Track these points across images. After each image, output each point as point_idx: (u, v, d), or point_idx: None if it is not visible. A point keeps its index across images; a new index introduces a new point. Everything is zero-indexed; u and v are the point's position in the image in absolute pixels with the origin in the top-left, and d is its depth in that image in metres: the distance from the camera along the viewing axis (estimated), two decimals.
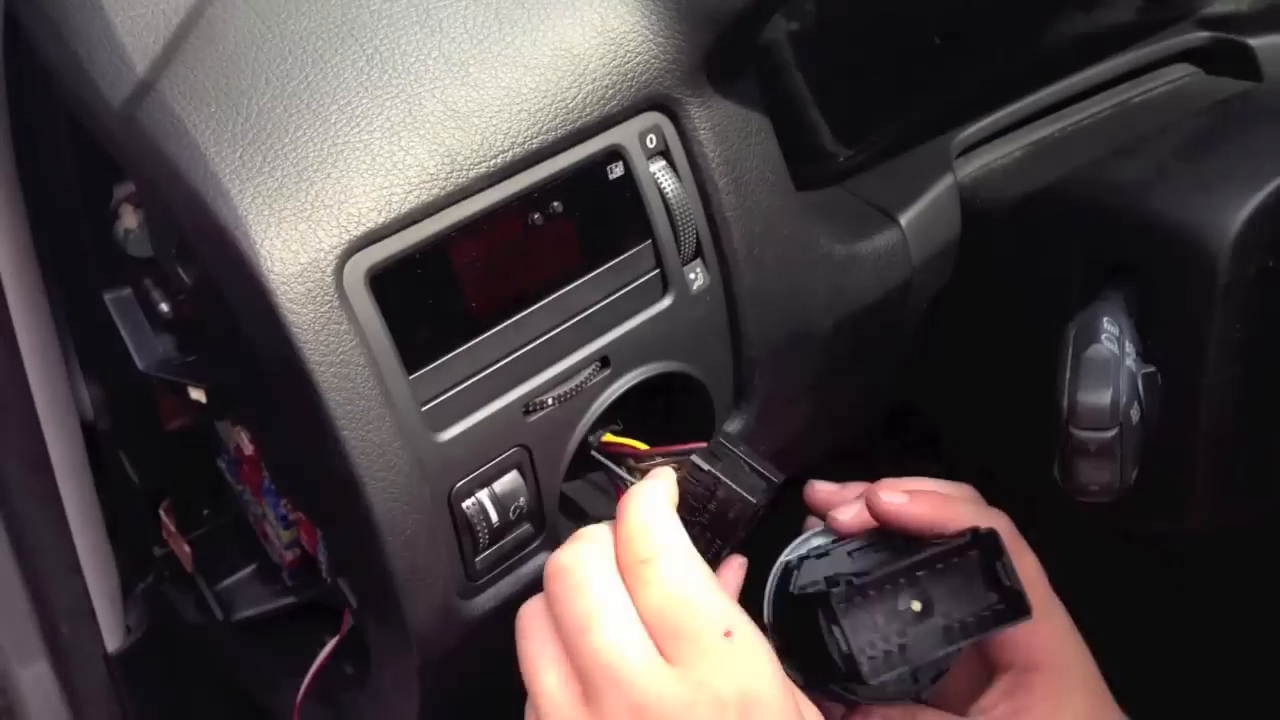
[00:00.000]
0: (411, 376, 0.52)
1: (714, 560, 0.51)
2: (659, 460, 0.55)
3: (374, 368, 0.50)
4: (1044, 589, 0.51)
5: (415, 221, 0.51)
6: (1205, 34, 0.78)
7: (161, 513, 0.73)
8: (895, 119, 0.73)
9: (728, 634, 0.44)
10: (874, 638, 0.46)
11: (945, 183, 0.69)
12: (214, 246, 0.49)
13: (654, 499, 0.49)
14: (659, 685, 0.43)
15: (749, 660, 0.44)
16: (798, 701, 0.45)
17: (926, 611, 0.46)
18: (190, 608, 0.74)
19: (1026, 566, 0.50)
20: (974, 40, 0.74)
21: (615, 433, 0.57)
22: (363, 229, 0.50)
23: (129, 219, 0.61)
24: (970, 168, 0.72)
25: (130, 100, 0.50)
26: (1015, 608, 0.46)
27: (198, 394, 0.61)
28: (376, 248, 0.50)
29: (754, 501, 0.50)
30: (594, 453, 0.57)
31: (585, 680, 0.45)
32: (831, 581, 0.48)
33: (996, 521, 0.50)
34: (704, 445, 0.52)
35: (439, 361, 0.52)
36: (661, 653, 0.44)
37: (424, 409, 0.52)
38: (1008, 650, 0.51)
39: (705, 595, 0.45)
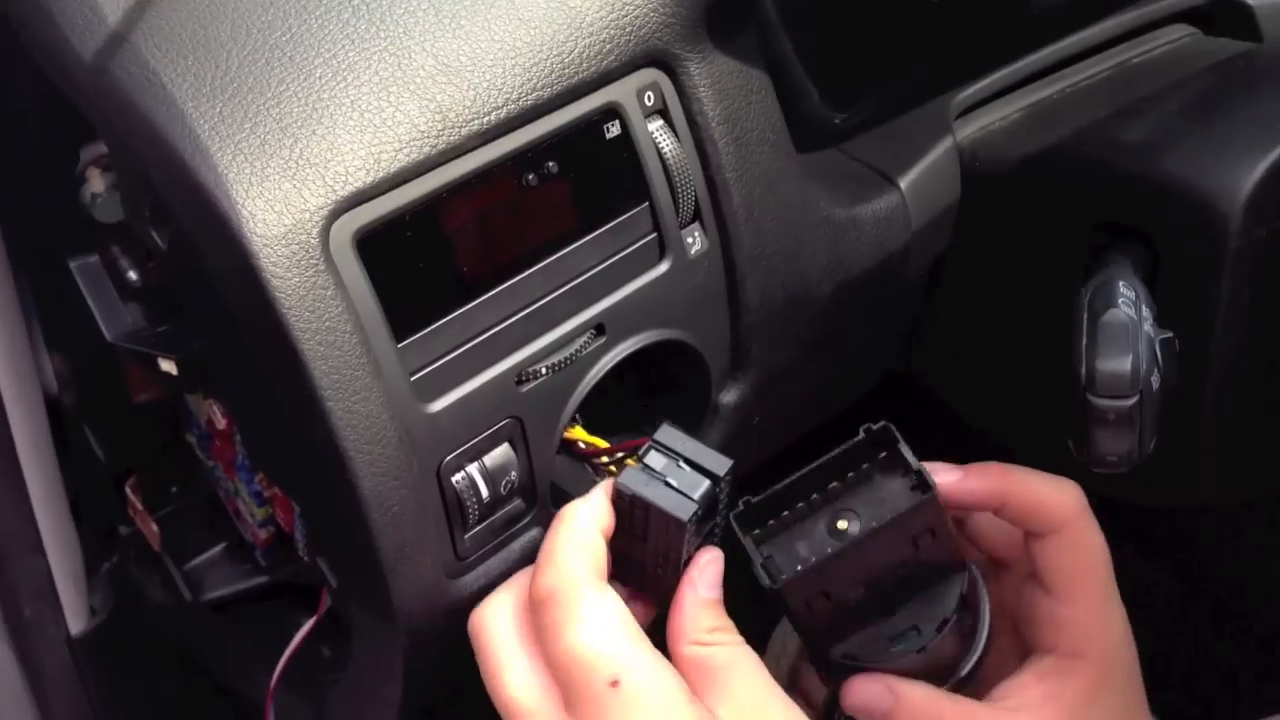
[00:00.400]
0: (400, 345, 0.49)
1: (673, 574, 0.50)
2: (620, 457, 0.54)
3: (361, 335, 0.48)
4: (1106, 576, 0.49)
5: (405, 181, 0.48)
6: None
7: (128, 490, 0.70)
8: (892, 80, 0.71)
9: (614, 684, 0.44)
10: (797, 554, 0.47)
11: (944, 145, 0.67)
12: (192, 207, 0.46)
13: (565, 532, 0.48)
14: None
15: (634, 710, 0.44)
16: None
17: (845, 522, 0.47)
18: (157, 589, 0.71)
19: (1092, 548, 0.49)
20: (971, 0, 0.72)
21: (580, 426, 0.55)
22: (350, 189, 0.47)
23: (96, 182, 0.58)
24: (969, 129, 0.70)
25: (102, 53, 0.47)
26: (920, 487, 0.46)
27: (169, 365, 0.58)
28: (364, 209, 0.48)
29: (682, 520, 0.48)
30: (558, 454, 0.55)
31: None
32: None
33: (1069, 491, 0.48)
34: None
35: (429, 329, 0.50)
36: (565, 703, 0.46)
37: (413, 378, 0.50)
38: (1053, 632, 0.49)
39: (593, 642, 0.45)
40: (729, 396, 0.61)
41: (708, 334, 0.59)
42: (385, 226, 0.48)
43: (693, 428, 0.60)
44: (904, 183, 0.66)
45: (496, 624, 0.48)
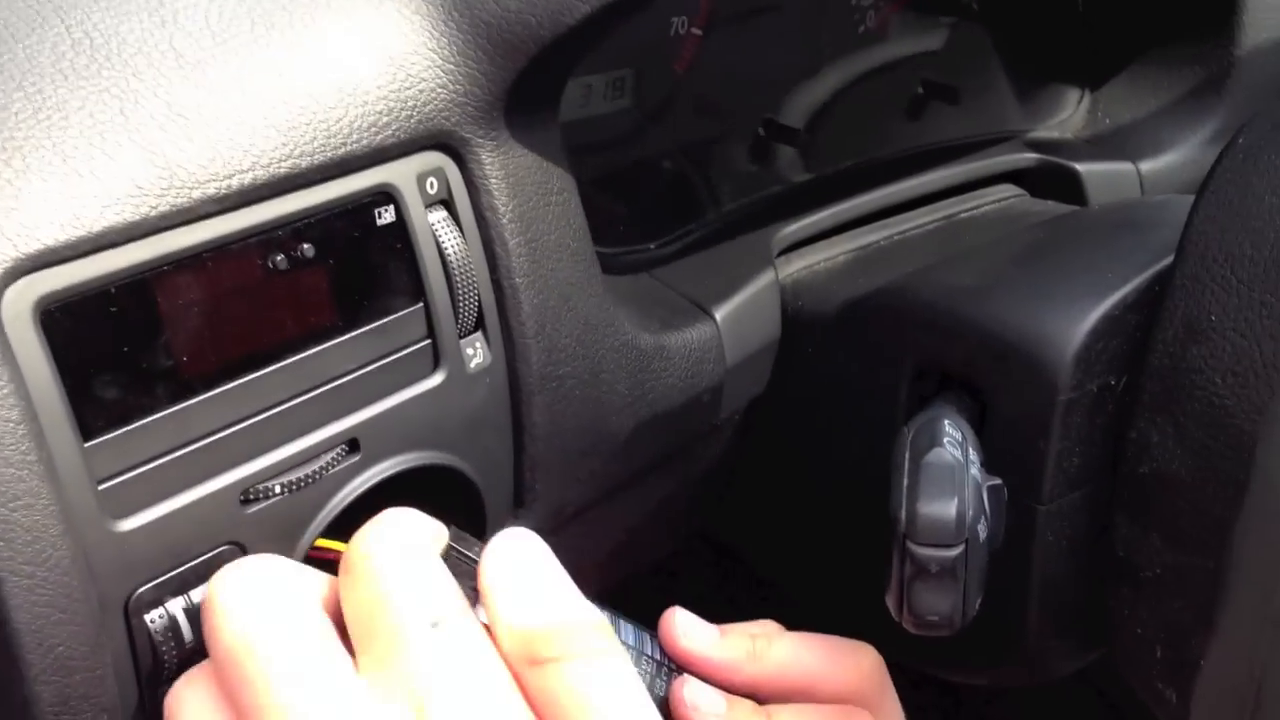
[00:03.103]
0: (87, 444, 0.40)
1: None
2: None
3: (32, 427, 0.38)
4: None
5: (113, 245, 0.40)
6: (1033, 155, 0.76)
7: None
8: (713, 210, 0.67)
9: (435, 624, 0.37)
10: None
11: (765, 279, 0.62)
12: None
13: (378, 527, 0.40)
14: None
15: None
16: None
17: None
18: None
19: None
20: (801, 135, 0.69)
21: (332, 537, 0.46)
22: (36, 245, 0.38)
23: None
24: (793, 268, 0.65)
25: None
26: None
27: None
28: (54, 273, 0.39)
29: None
30: (309, 557, 0.46)
31: None
32: None
33: (863, 661, 0.42)
34: None
35: (127, 428, 0.41)
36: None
37: (101, 488, 0.40)
38: None
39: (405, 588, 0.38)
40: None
41: (486, 463, 0.51)
42: (81, 297, 0.39)
43: None
44: (720, 315, 0.60)
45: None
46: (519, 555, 0.40)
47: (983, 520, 0.41)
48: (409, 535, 0.40)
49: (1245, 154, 0.51)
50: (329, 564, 0.46)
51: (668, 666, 0.44)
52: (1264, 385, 0.47)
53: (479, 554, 0.41)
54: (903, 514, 0.40)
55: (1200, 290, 0.50)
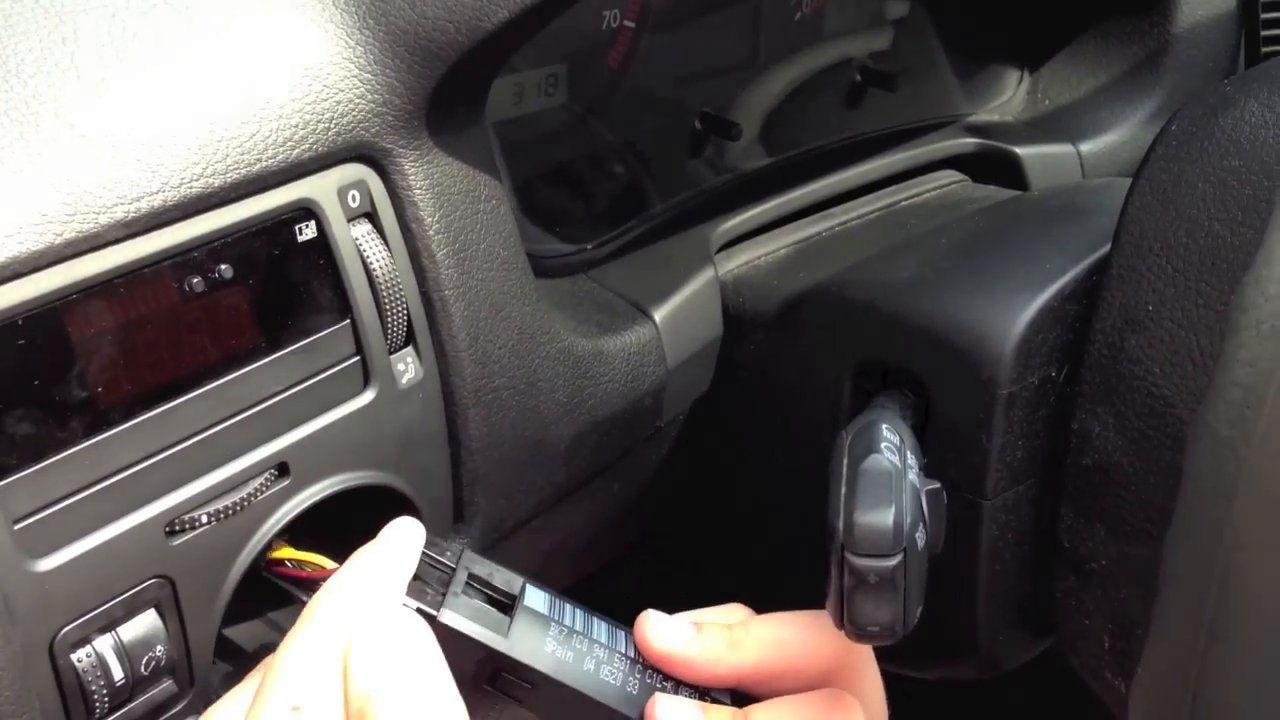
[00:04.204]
0: (0, 484, 0.38)
1: None
2: None
3: None
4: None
5: (18, 275, 0.38)
6: (972, 140, 0.75)
7: None
8: (650, 207, 0.66)
9: (295, 709, 0.37)
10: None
11: (705, 277, 0.62)
12: None
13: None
14: None
15: None
16: None
17: None
18: None
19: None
20: (738, 128, 0.68)
21: (295, 546, 0.46)
22: None
23: None
24: (733, 264, 0.64)
25: None
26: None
27: None
28: None
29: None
30: (264, 572, 0.45)
31: None
32: None
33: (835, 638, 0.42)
34: None
35: (41, 465, 0.39)
36: None
37: (17, 527, 0.39)
38: None
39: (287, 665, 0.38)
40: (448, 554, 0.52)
41: (422, 479, 0.50)
42: None
43: None
44: (659, 315, 0.59)
45: None
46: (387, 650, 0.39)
47: (921, 527, 0.40)
48: (357, 585, 0.40)
49: (1178, 141, 0.51)
50: (302, 581, 0.45)
51: (641, 664, 0.43)
52: (1202, 374, 0.47)
53: (451, 556, 0.43)
54: (840, 524, 0.40)
55: (1137, 280, 0.50)
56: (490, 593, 0.43)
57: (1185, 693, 0.32)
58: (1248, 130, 0.49)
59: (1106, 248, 0.53)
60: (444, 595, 0.42)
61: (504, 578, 0.44)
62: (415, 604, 0.41)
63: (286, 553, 0.46)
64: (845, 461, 0.43)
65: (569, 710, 0.42)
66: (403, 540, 0.43)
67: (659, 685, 0.43)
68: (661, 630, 0.44)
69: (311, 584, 0.45)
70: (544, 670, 0.42)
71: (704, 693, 0.43)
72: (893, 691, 0.45)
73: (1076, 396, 0.52)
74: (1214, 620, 0.31)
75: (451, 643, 0.41)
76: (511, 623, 0.42)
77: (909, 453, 0.44)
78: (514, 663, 0.42)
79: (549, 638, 0.42)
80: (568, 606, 0.44)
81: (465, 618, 0.42)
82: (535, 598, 0.43)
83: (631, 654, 0.44)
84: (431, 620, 0.41)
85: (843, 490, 0.41)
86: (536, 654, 0.42)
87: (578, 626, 0.43)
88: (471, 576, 0.43)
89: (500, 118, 0.63)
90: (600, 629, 0.44)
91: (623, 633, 0.45)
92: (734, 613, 0.45)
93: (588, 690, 0.42)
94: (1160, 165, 0.51)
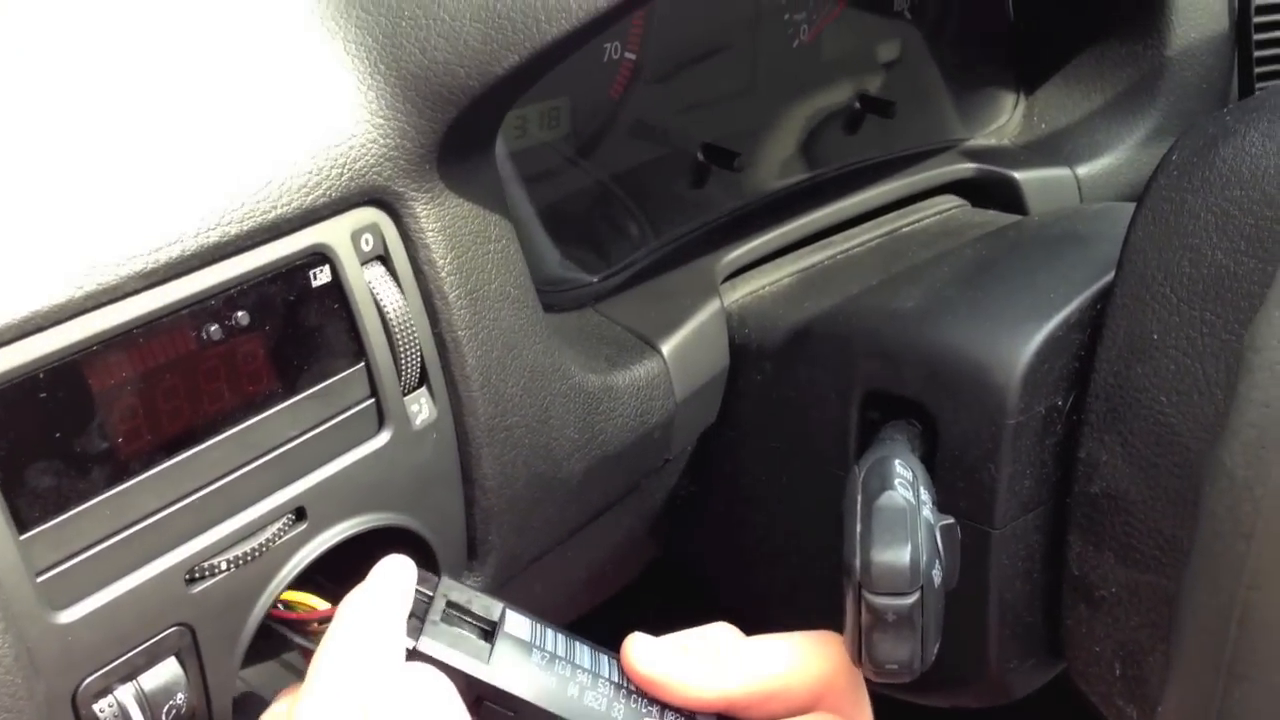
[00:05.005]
0: (23, 536, 0.39)
1: None
2: None
3: None
4: None
5: (38, 329, 0.39)
6: (971, 165, 0.76)
7: None
8: (654, 238, 0.66)
9: None
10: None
11: (711, 308, 0.62)
12: None
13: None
14: None
15: None
16: None
17: None
18: None
19: None
20: (740, 158, 0.68)
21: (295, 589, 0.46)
22: None
23: None
24: (738, 294, 0.65)
25: None
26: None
27: None
28: None
29: None
30: (268, 620, 0.45)
31: None
32: None
33: (821, 658, 0.42)
34: None
35: (64, 517, 0.39)
36: None
37: (40, 579, 0.39)
38: None
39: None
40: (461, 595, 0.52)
41: (436, 519, 0.50)
42: (8, 385, 0.38)
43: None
44: (667, 348, 0.59)
45: None
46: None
47: (937, 564, 0.41)
48: (354, 643, 0.41)
49: (1179, 170, 0.51)
50: (294, 623, 0.45)
51: (626, 689, 0.43)
52: (1208, 403, 0.47)
53: (429, 585, 0.44)
54: (857, 562, 0.40)
55: (1141, 309, 0.51)
56: (470, 620, 0.43)
57: None
58: (1249, 160, 0.49)
59: (1110, 276, 0.54)
60: (423, 624, 0.42)
61: (483, 604, 0.44)
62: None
63: (287, 595, 0.46)
64: (859, 499, 0.43)
65: None
66: (394, 581, 0.43)
67: (644, 710, 0.43)
68: (648, 652, 0.43)
69: (303, 625, 0.45)
70: (527, 698, 0.42)
71: (690, 717, 0.43)
72: (896, 718, 0.46)
73: (1083, 425, 0.52)
74: (1233, 660, 0.31)
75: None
76: (492, 650, 0.42)
77: (922, 488, 0.44)
78: (496, 690, 0.42)
79: (531, 664, 0.42)
80: (549, 631, 0.44)
81: (445, 645, 0.42)
82: (516, 623, 0.43)
83: (616, 678, 0.44)
84: (410, 650, 0.41)
85: (858, 528, 0.42)
86: (518, 681, 0.42)
87: (560, 652, 0.43)
88: (450, 604, 0.43)
89: (503, 151, 0.63)
90: (584, 654, 0.44)
91: (606, 657, 0.44)
92: (721, 633, 0.45)
93: (572, 717, 0.42)
94: (1162, 195, 0.51)
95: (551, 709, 0.42)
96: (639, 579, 0.70)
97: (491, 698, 0.42)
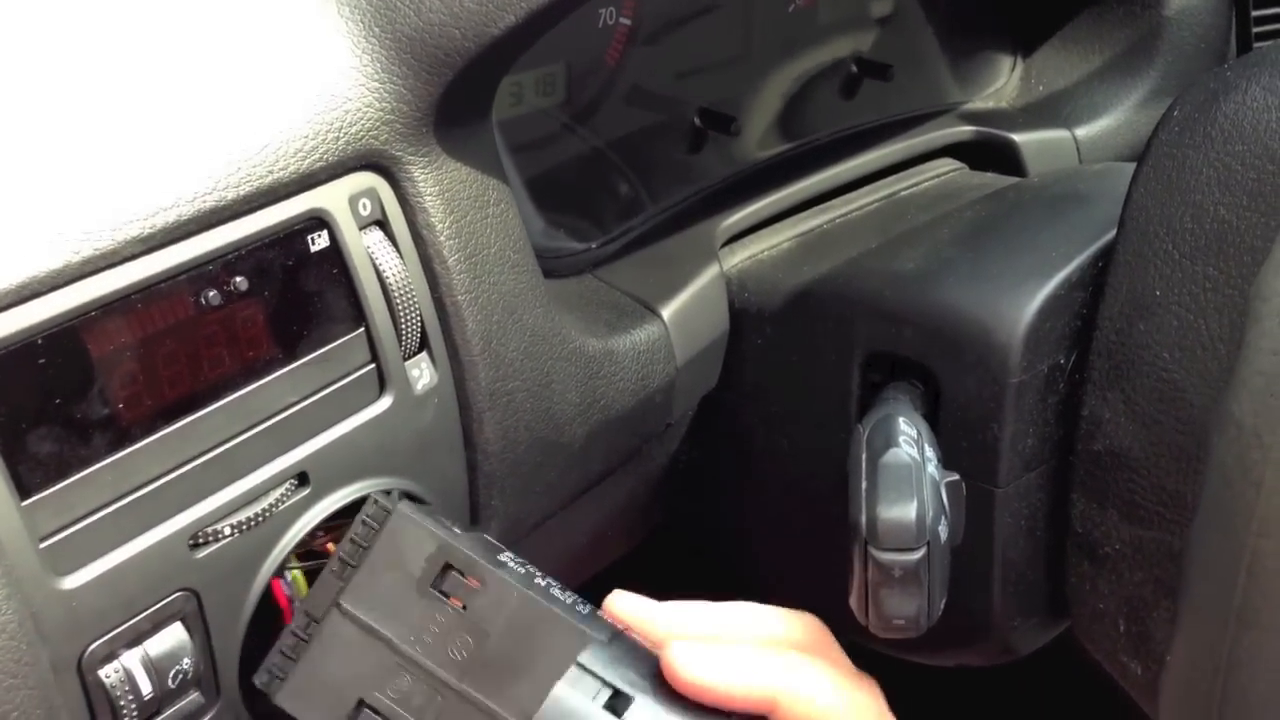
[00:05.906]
0: (25, 503, 0.38)
1: None
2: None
3: None
4: None
5: (36, 295, 0.38)
6: (969, 128, 0.75)
7: None
8: (652, 204, 0.66)
9: None
10: None
11: (710, 273, 0.62)
12: None
13: None
14: None
15: None
16: None
17: None
18: None
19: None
20: (736, 122, 0.68)
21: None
22: None
23: None
24: (737, 259, 0.65)
25: None
26: None
27: None
28: None
29: None
30: (287, 571, 0.45)
31: None
32: None
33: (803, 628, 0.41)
34: None
35: (66, 483, 0.39)
36: None
37: (43, 545, 0.39)
38: None
39: None
40: None
41: (439, 483, 0.50)
42: (7, 351, 0.38)
43: None
44: (666, 313, 0.59)
45: None
46: None
47: (943, 520, 0.41)
48: None
49: (1180, 126, 0.51)
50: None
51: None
52: (1211, 359, 0.47)
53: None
54: (863, 519, 0.40)
55: (1143, 265, 0.51)
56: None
57: (1214, 680, 0.32)
58: (1250, 115, 0.49)
59: (1111, 234, 0.53)
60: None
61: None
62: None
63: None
64: (864, 456, 0.43)
65: (510, 621, 0.41)
66: None
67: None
68: (628, 598, 0.43)
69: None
70: (493, 568, 0.41)
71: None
72: (908, 679, 0.46)
73: (1086, 383, 0.52)
74: (1242, 607, 0.31)
75: (403, 537, 0.41)
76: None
77: (927, 445, 0.44)
78: (463, 556, 0.41)
79: (505, 555, 0.43)
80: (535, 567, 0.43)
81: (420, 515, 0.42)
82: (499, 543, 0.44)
83: (587, 611, 0.43)
84: (387, 512, 0.42)
85: (864, 485, 0.42)
86: (487, 557, 0.42)
87: (537, 575, 0.43)
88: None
89: (500, 118, 0.62)
90: (567, 594, 0.43)
91: (588, 603, 0.43)
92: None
93: (536, 595, 0.41)
94: (1164, 151, 0.51)
95: (517, 584, 0.41)
96: (641, 548, 0.70)
97: (458, 566, 0.42)
